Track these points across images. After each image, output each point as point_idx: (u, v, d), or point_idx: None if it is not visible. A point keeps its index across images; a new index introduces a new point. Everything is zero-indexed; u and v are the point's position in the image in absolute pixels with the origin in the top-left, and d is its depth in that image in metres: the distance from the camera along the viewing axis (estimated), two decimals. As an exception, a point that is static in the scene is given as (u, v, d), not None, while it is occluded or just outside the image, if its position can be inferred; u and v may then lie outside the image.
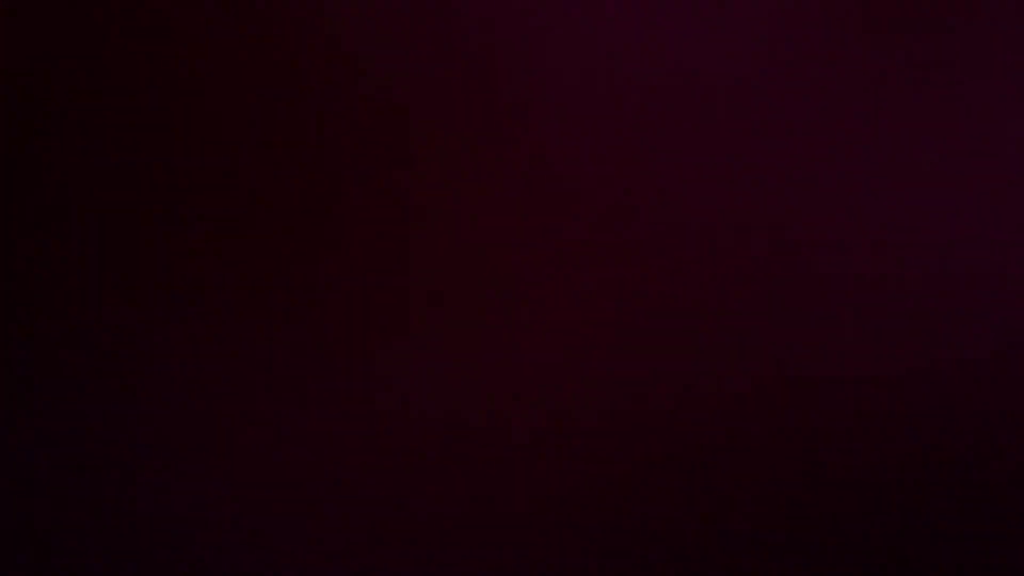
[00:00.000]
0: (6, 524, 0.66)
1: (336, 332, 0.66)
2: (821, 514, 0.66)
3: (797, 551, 0.66)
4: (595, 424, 0.66)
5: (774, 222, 0.66)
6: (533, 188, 0.67)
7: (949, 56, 0.67)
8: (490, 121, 0.67)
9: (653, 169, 0.67)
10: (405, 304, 0.66)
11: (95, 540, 0.66)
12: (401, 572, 0.66)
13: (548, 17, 0.67)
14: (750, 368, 0.66)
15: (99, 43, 0.67)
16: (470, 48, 0.67)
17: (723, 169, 0.67)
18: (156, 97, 0.67)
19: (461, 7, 0.67)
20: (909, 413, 0.66)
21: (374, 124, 0.67)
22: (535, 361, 0.66)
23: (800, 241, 0.66)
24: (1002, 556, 0.66)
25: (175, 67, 0.67)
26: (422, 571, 0.66)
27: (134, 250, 0.67)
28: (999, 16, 0.67)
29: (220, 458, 0.66)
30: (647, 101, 0.67)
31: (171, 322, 0.66)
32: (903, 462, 0.66)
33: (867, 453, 0.66)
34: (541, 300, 0.66)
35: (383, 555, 0.66)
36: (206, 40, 0.67)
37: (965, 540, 0.66)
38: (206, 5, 0.67)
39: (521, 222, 0.67)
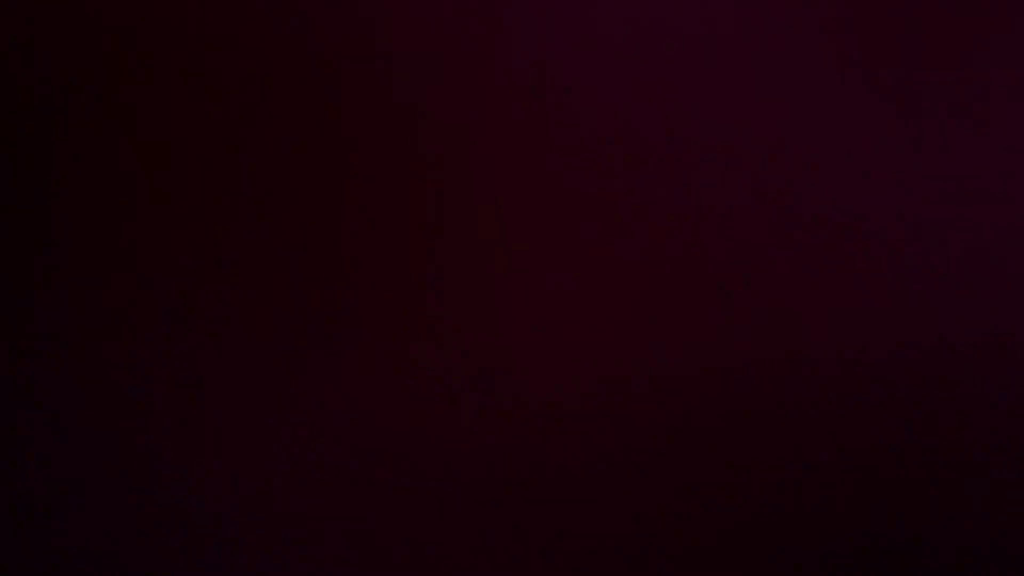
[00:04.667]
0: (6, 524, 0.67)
1: (350, 326, 0.66)
2: (828, 504, 0.66)
3: (806, 540, 0.66)
4: (601, 419, 0.66)
5: (782, 213, 0.66)
6: (542, 183, 0.67)
7: (955, 55, 0.67)
8: (500, 114, 0.67)
9: (661, 167, 0.67)
10: (413, 300, 0.67)
11: (92, 539, 0.66)
12: (407, 570, 0.66)
13: (562, 17, 0.67)
14: (752, 353, 0.66)
15: (96, 36, 0.67)
16: (482, 43, 0.67)
17: (734, 166, 0.67)
18: (163, 94, 0.67)
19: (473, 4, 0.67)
20: (912, 403, 0.66)
21: (381, 120, 0.67)
22: (542, 356, 0.66)
23: (809, 227, 0.66)
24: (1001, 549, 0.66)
25: (180, 63, 0.67)
26: (426, 568, 0.66)
27: (142, 246, 0.67)
28: (1004, 14, 0.67)
29: (222, 456, 0.66)
30: (657, 100, 0.67)
31: (174, 320, 0.66)
32: (907, 447, 0.66)
33: (874, 440, 0.66)
34: (548, 298, 0.66)
35: (391, 553, 0.66)
36: (215, 35, 0.67)
37: (968, 533, 0.66)
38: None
39: (528, 219, 0.67)
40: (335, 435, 0.66)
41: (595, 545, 0.66)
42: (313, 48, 0.67)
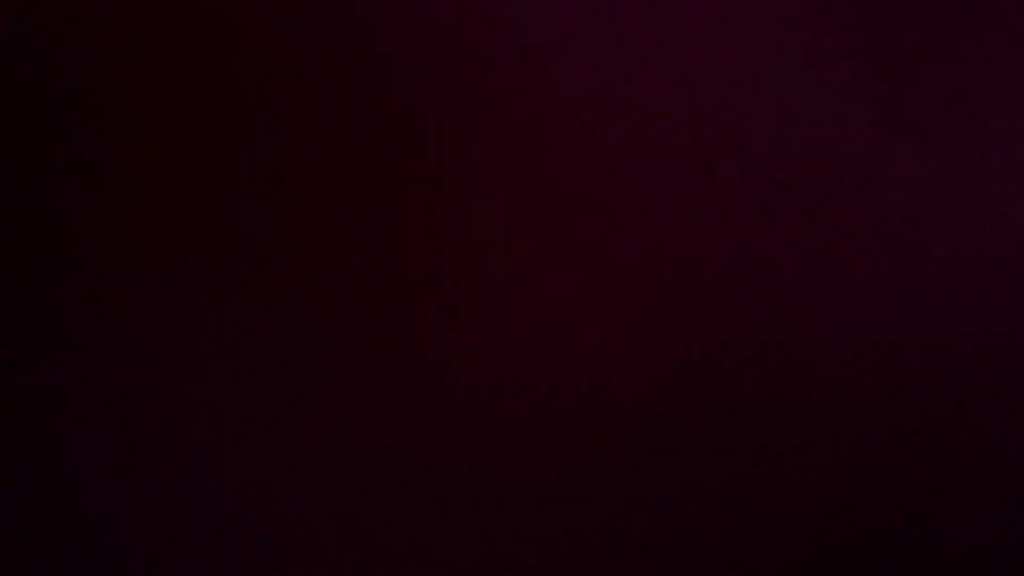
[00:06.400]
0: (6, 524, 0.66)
1: (351, 326, 0.66)
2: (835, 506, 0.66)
3: (814, 545, 0.66)
4: (601, 419, 0.66)
5: (782, 213, 0.67)
6: (542, 183, 0.67)
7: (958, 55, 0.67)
8: (501, 114, 0.67)
9: (661, 166, 0.67)
10: (414, 300, 0.67)
11: (92, 539, 0.66)
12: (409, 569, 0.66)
13: (562, 16, 0.67)
14: (753, 353, 0.66)
15: (96, 36, 0.67)
16: (483, 43, 0.67)
17: (734, 165, 0.67)
18: (163, 94, 0.67)
19: (480, 8, 0.67)
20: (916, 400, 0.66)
21: (382, 120, 0.67)
22: (545, 360, 0.66)
23: (807, 231, 0.67)
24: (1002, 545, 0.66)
25: (180, 63, 0.67)
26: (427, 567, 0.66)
27: (146, 249, 0.67)
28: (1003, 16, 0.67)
29: (224, 458, 0.66)
30: (657, 99, 0.67)
31: (175, 320, 0.66)
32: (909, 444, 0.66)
33: (874, 447, 0.66)
34: (553, 301, 0.66)
35: (396, 553, 0.66)
36: (216, 35, 0.67)
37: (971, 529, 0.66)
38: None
39: (528, 219, 0.67)
40: (337, 435, 0.66)
41: (596, 545, 0.66)
42: (313, 48, 0.67)
